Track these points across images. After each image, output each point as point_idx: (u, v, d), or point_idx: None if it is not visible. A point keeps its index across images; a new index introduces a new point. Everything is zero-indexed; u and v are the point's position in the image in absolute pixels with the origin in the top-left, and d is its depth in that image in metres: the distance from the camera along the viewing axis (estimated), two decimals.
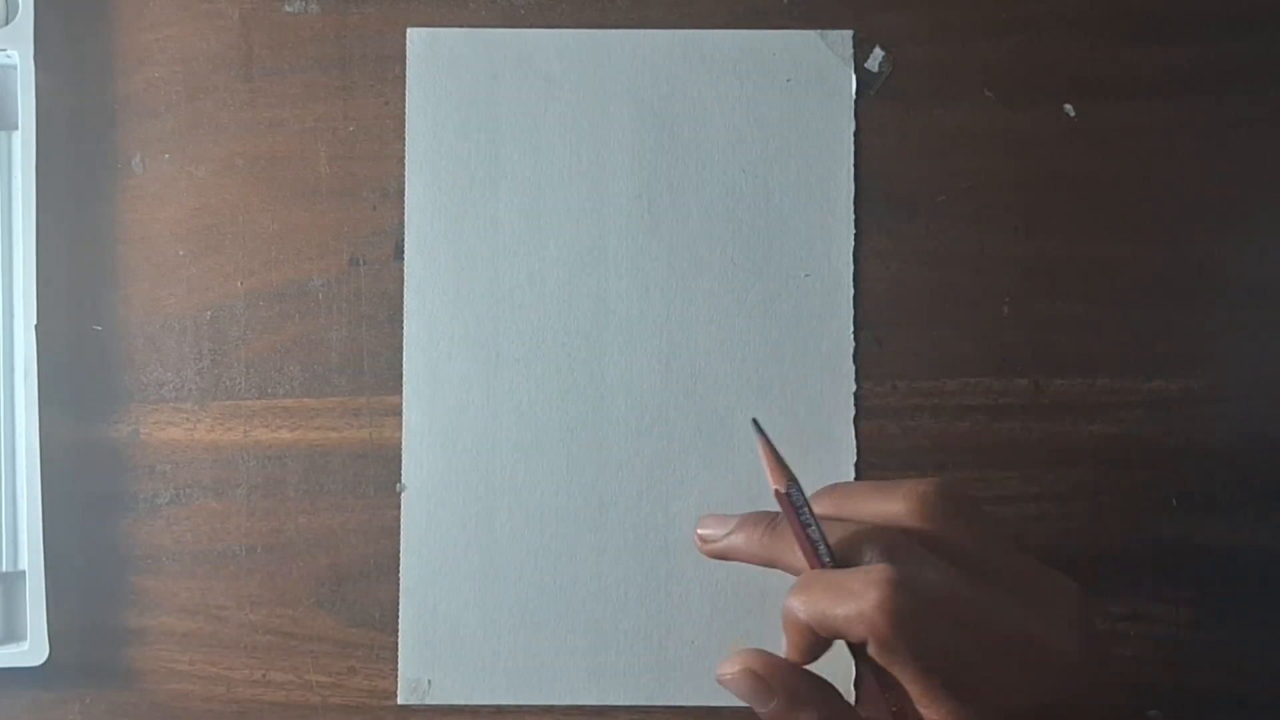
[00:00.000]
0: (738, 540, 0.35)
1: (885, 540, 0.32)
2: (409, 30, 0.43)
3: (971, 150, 0.42)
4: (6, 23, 0.41)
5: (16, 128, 0.41)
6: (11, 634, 0.41)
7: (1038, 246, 0.42)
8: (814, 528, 0.32)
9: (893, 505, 0.33)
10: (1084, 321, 0.42)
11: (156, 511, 0.42)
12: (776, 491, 0.33)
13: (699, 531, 0.36)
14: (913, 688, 0.30)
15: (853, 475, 0.42)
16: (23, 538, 0.41)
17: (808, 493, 0.33)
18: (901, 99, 0.43)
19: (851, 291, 0.42)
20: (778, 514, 0.34)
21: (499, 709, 0.42)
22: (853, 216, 0.42)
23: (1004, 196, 0.42)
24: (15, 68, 0.41)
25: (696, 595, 0.42)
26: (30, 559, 0.40)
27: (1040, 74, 0.42)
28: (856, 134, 0.42)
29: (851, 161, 0.42)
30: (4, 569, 0.41)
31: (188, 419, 0.42)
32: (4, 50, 0.41)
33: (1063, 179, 0.42)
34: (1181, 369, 0.42)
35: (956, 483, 0.34)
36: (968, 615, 0.31)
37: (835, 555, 0.32)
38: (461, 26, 0.43)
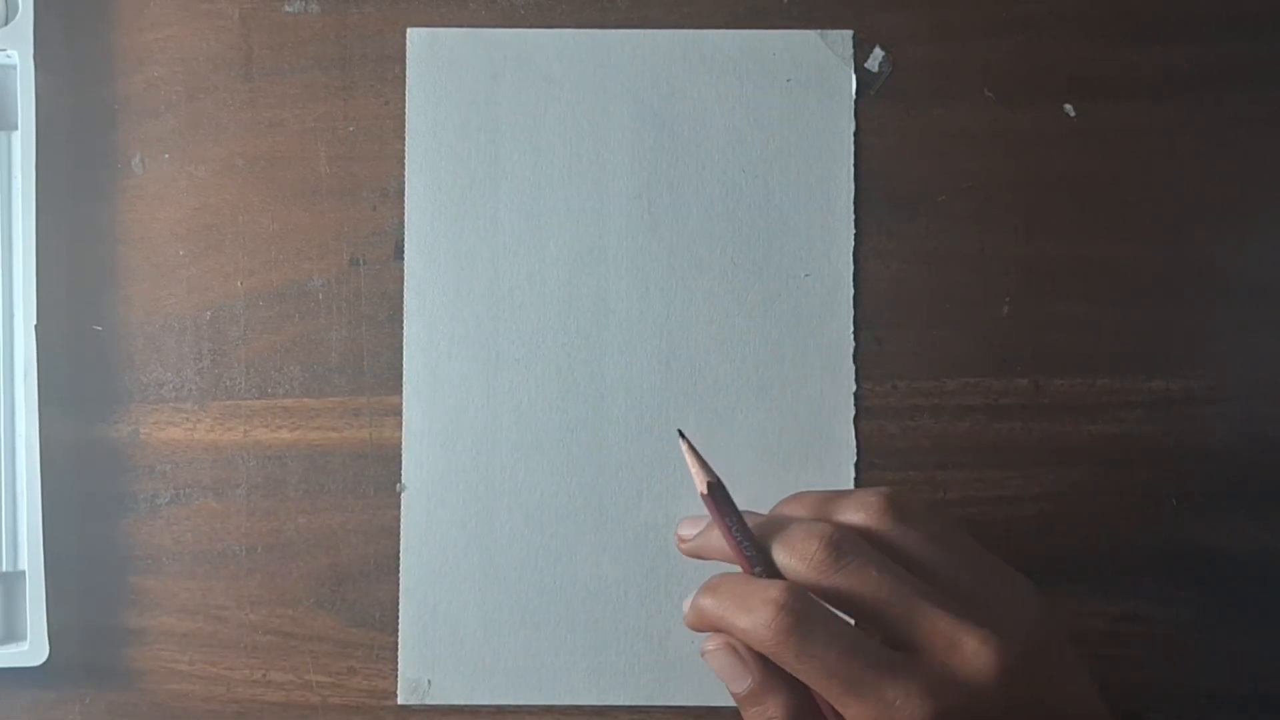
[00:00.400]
0: (709, 539, 0.36)
1: (827, 533, 0.33)
2: (409, 30, 0.42)
3: (971, 150, 0.42)
4: (6, 23, 0.41)
5: (16, 128, 0.41)
6: (11, 634, 0.41)
7: (1038, 246, 0.42)
8: (736, 526, 0.34)
9: (843, 513, 0.34)
10: (1084, 321, 0.42)
11: (156, 511, 0.42)
12: (701, 493, 0.34)
13: (678, 531, 0.38)
14: (819, 692, 0.32)
15: (853, 475, 0.42)
16: (23, 538, 0.41)
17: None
18: (901, 99, 0.42)
19: (851, 291, 0.42)
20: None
21: (499, 709, 0.42)
22: (853, 216, 0.42)
23: (1004, 196, 0.42)
24: (15, 68, 0.41)
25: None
26: (30, 559, 0.40)
27: (1040, 74, 0.42)
28: (856, 134, 0.42)
29: (851, 161, 0.42)
30: (4, 569, 0.41)
31: (188, 419, 0.42)
32: (4, 50, 0.41)
33: (1063, 179, 0.42)
34: (1181, 369, 0.42)
35: (906, 490, 0.35)
36: (892, 614, 0.32)
37: (759, 551, 0.33)
38: (461, 26, 0.43)
